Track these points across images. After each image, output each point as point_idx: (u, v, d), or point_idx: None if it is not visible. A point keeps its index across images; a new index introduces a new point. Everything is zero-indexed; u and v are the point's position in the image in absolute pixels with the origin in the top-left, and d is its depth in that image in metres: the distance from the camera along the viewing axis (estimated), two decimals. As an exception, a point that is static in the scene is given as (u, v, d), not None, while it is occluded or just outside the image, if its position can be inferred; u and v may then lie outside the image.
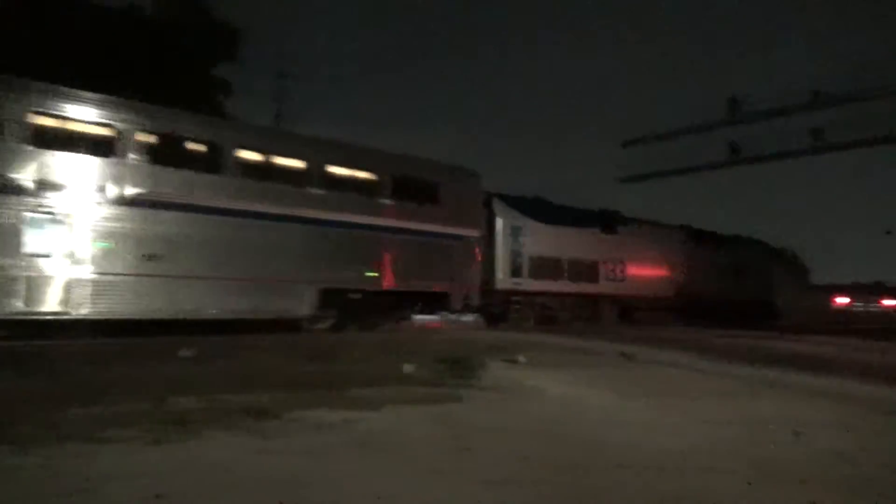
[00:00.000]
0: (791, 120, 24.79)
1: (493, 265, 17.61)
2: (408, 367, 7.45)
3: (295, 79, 30.74)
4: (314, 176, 13.48)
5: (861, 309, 39.93)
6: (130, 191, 11.07)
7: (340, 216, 13.65)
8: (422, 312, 15.98)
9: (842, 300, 39.76)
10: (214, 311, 11.84)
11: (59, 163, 10.32)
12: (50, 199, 10.15)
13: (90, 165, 10.65)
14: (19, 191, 9.89)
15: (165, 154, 11.68)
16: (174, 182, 11.67)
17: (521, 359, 8.82)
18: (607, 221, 21.94)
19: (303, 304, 13.07)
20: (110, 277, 10.75)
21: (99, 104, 10.84)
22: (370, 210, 14.19)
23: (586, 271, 20.43)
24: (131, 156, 11.11)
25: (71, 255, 10.38)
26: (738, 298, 25.77)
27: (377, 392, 6.20)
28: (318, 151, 13.85)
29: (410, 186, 15.09)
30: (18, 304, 9.82)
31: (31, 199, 9.99)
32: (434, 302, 15.82)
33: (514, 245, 18.27)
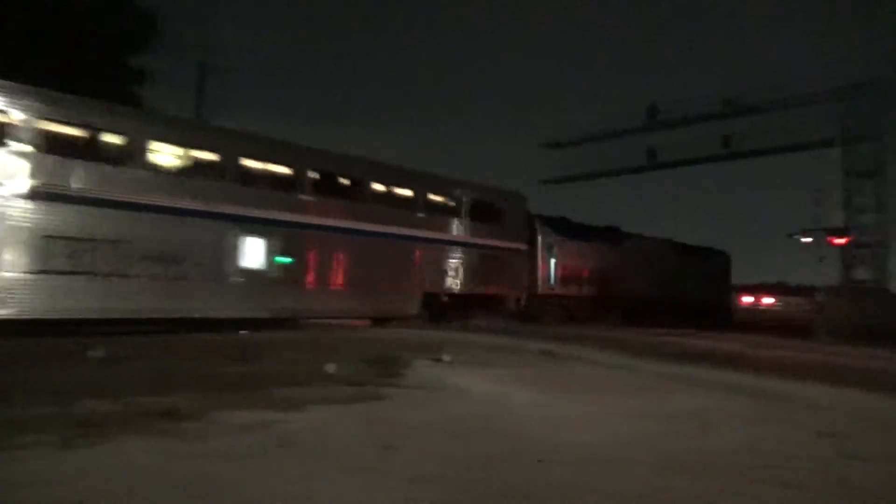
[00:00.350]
0: (705, 127, 26.07)
1: (535, 274, 21.00)
2: (330, 367, 7.36)
3: (228, 71, 29.43)
4: (420, 203, 16.93)
5: (767, 307, 42.37)
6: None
7: (436, 235, 17.11)
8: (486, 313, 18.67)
9: (747, 299, 42.07)
10: (361, 312, 15.46)
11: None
12: None
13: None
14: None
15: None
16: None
17: (447, 358, 8.90)
18: (613, 236, 26.23)
19: (414, 306, 16.29)
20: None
21: None
22: (456, 229, 17.70)
23: (598, 278, 24.27)
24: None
25: None
26: (710, 301, 29.89)
27: (301, 392, 6.11)
28: (424, 184, 17.37)
29: (482, 209, 18.40)
30: None
31: None
32: (495, 304, 18.81)
33: (550, 257, 22.09)
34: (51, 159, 10.62)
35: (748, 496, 3.57)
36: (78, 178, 10.89)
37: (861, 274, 21.90)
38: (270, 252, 13.34)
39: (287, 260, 13.76)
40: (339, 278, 14.89)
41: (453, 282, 17.40)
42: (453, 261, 17.39)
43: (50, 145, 10.63)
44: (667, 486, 3.69)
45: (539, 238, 21.33)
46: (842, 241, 20.20)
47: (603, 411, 5.88)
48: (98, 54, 21.90)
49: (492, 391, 6.74)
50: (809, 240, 19.55)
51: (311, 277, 14.42)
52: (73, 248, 10.68)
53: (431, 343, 10.34)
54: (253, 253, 13.14)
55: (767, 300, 43.06)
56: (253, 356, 7.69)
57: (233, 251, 12.91)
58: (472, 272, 17.77)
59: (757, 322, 27.60)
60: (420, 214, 16.77)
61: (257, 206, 13.33)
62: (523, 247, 19.73)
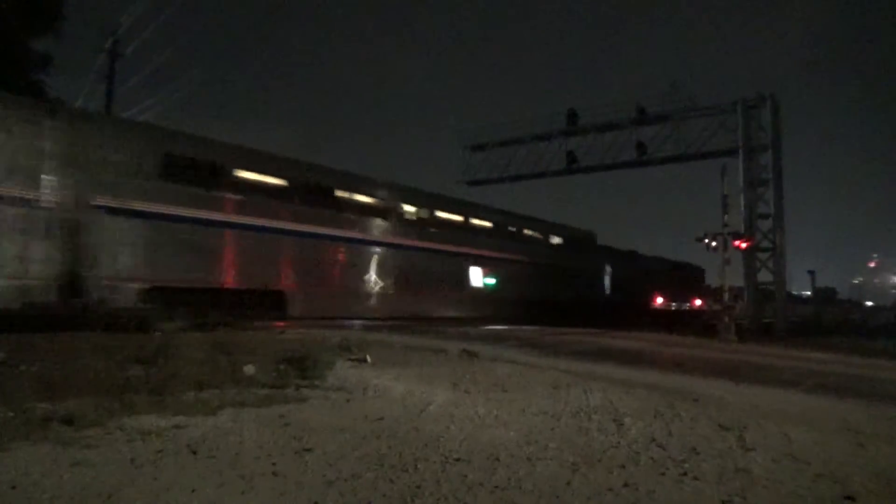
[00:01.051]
0: (621, 133, 27.02)
1: (603, 284, 35.81)
2: (249, 369, 7.14)
3: (130, 60, 27.90)
4: (548, 242, 31.64)
5: (675, 308, 44.54)
6: None
7: (563, 262, 31.32)
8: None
9: (659, 300, 43.97)
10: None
11: None
12: None
13: None
14: None
15: None
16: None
17: (368, 358, 8.82)
18: (631, 257, 39.43)
19: (532, 311, 25.45)
20: None
21: None
22: (568, 258, 31.89)
23: (626, 289, 36.34)
24: None
25: None
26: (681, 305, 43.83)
27: (213, 395, 5.89)
28: (552, 229, 31.86)
29: (576, 242, 33.47)
30: None
31: None
32: (585, 307, 29.40)
33: (606, 274, 35.70)
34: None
35: (654, 486, 3.71)
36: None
37: (763, 277, 23.28)
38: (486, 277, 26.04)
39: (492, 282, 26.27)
40: (522, 293, 26.99)
41: (560, 292, 29.98)
42: (562, 279, 30.53)
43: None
44: (589, 479, 3.79)
45: (606, 262, 32.40)
46: (744, 244, 21.37)
47: (521, 409, 5.98)
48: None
49: (412, 391, 6.72)
50: (714, 243, 20.56)
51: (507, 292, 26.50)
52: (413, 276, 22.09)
53: (353, 343, 10.21)
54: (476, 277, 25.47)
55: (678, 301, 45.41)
56: (160, 357, 7.35)
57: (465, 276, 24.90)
58: (570, 285, 31.07)
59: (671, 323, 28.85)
60: (550, 250, 31.22)
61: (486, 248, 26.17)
62: (596, 267, 34.13)
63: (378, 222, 21.12)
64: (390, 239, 21.37)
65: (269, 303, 17.10)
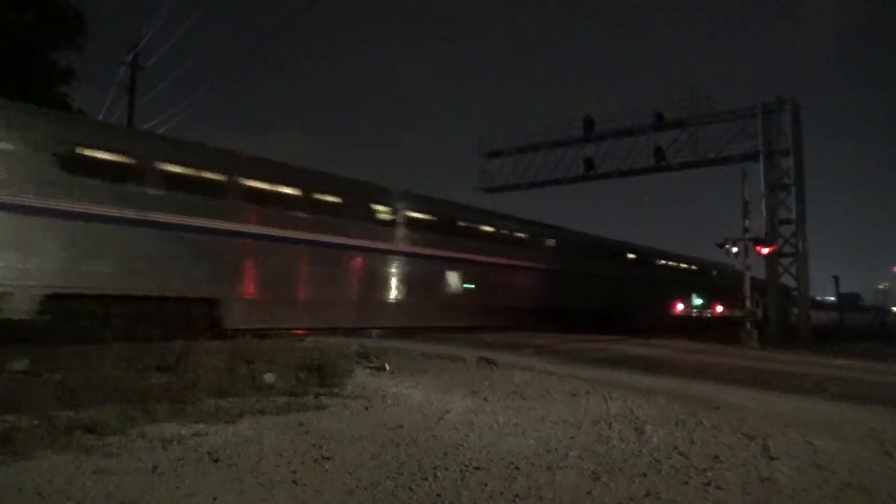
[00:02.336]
0: (639, 139, 26.87)
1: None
2: (269, 377, 7.19)
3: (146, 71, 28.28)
4: (700, 275, 40.02)
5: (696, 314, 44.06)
6: None
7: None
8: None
9: (679, 307, 43.54)
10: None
11: None
12: None
13: None
14: None
15: None
16: None
17: (386, 366, 8.84)
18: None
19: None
20: None
21: None
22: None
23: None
24: None
25: None
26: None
27: (233, 403, 5.93)
28: (706, 265, 39.42)
29: (719, 274, 39.68)
30: None
31: None
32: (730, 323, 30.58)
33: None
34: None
35: (677, 495, 3.67)
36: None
37: (786, 282, 22.97)
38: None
39: None
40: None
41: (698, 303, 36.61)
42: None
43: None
44: (610, 488, 3.76)
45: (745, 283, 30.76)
46: (767, 249, 21.10)
47: (541, 417, 5.94)
48: (21, 50, 20.83)
49: (431, 399, 6.71)
50: (736, 249, 20.32)
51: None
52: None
53: (371, 351, 10.24)
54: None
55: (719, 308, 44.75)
56: (181, 365, 7.42)
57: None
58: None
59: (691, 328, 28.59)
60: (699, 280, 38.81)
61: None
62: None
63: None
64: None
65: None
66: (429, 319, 20.59)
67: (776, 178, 23.14)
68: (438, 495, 3.54)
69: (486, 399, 6.85)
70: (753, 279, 21.48)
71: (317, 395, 6.58)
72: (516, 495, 3.59)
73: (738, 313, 23.95)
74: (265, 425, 5.14)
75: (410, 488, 3.65)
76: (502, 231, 25.37)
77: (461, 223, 23.09)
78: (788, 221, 22.80)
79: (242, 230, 15.71)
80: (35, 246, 11.71)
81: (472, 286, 22.65)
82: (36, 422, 4.76)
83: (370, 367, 8.84)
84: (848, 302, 65.83)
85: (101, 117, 24.54)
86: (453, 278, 22.26)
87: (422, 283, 20.69)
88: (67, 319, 11.59)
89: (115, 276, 12.81)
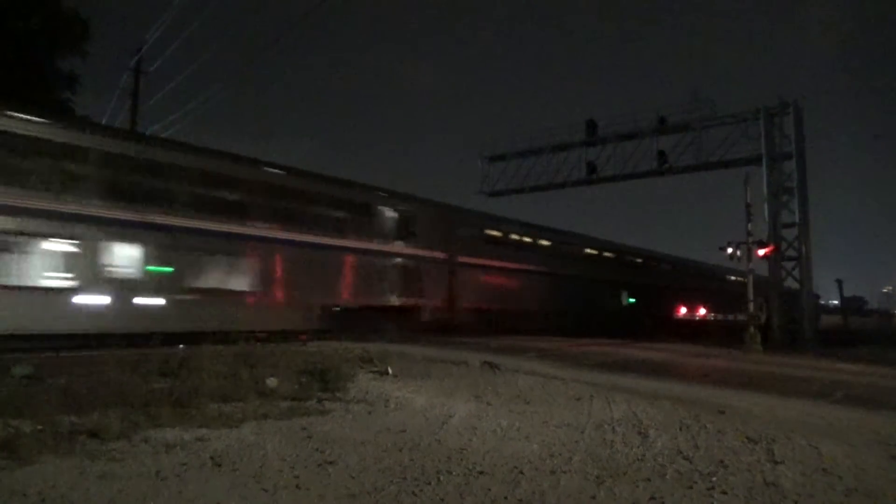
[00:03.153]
0: (641, 143, 26.82)
1: None
2: (271, 381, 7.17)
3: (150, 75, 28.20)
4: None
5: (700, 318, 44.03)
6: None
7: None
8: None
9: (683, 311, 43.48)
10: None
11: None
12: None
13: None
14: None
15: None
16: None
17: (390, 370, 8.82)
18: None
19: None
20: None
21: None
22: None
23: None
24: None
25: None
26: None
27: (236, 408, 5.92)
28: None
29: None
30: None
31: None
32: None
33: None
34: None
35: (682, 500, 3.65)
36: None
37: (790, 286, 22.86)
38: None
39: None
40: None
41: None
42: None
43: None
44: (614, 493, 3.74)
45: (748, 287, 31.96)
46: (763, 251, 21.01)
47: (544, 421, 5.92)
48: (26, 56, 20.92)
49: (434, 403, 6.70)
50: (739, 253, 20.26)
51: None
52: None
53: (374, 355, 10.21)
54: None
55: (702, 311, 44.82)
56: (184, 370, 7.41)
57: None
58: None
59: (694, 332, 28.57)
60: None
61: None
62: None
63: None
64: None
65: None
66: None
67: (779, 182, 23.05)
68: (442, 500, 3.53)
69: (489, 403, 6.84)
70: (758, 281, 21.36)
71: (320, 400, 6.57)
72: (520, 500, 3.58)
73: (741, 317, 23.87)
74: (268, 430, 5.13)
75: (414, 493, 3.63)
76: (524, 239, 27.96)
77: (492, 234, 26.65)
78: (792, 225, 22.72)
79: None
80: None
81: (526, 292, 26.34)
82: (40, 427, 4.76)
83: (373, 372, 8.82)
84: (852, 306, 65.61)
85: (104, 122, 24.57)
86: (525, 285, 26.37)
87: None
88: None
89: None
